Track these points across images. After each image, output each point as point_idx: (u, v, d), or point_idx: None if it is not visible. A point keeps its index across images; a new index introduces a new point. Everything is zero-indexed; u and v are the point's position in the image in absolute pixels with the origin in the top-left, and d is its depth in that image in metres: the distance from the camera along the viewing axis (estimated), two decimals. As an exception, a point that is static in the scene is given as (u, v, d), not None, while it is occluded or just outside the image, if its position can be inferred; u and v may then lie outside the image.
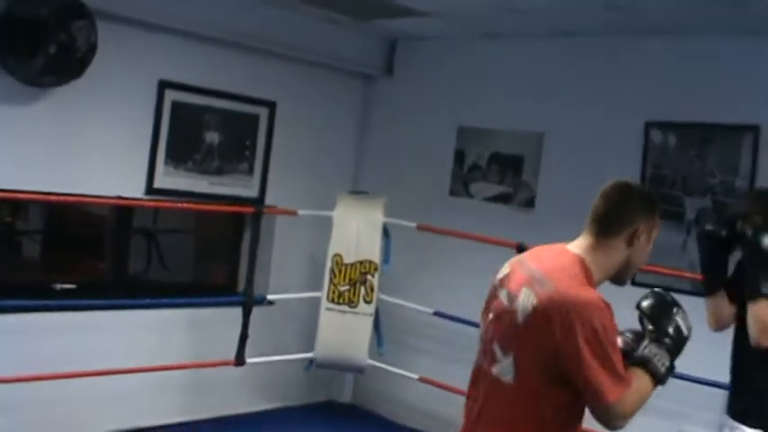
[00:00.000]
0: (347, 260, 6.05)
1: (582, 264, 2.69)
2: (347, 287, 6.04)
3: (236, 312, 5.62)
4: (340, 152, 6.92)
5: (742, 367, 3.56)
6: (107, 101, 5.40)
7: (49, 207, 5.72)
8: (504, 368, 2.65)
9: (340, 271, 6.04)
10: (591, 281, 2.66)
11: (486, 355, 2.76)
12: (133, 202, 5.66)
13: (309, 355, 6.14)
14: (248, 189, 6.25)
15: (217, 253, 6.86)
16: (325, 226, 6.10)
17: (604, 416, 2.56)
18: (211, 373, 5.87)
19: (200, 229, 6.89)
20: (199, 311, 6.05)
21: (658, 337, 2.75)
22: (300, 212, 6.03)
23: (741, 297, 3.42)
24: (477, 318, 5.45)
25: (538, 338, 2.54)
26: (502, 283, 2.81)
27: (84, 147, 5.34)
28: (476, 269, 6.14)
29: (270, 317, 6.19)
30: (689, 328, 2.78)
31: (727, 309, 3.60)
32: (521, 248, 5.34)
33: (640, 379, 2.62)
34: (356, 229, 6.07)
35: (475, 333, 5.48)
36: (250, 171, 6.24)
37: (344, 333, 6.04)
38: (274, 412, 6.55)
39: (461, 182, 6.41)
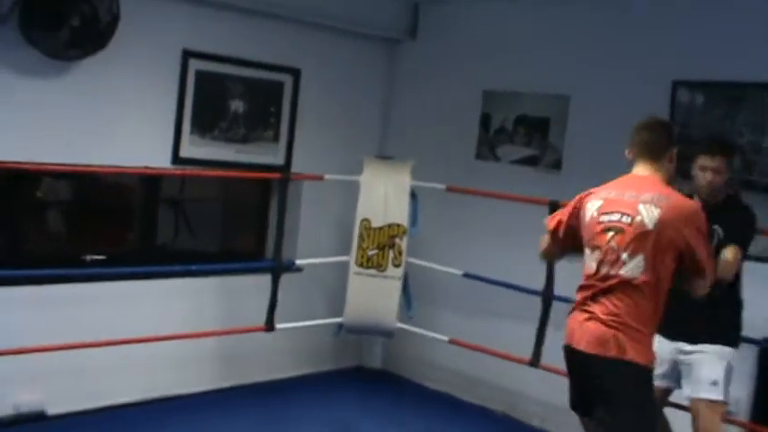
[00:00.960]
0: (375, 224, 6.05)
1: (665, 182, 3.77)
2: (375, 251, 6.05)
3: (265, 279, 5.64)
4: (366, 117, 6.91)
5: None
6: (132, 71, 5.41)
7: (77, 179, 5.75)
8: (632, 268, 3.58)
9: (368, 235, 6.05)
10: None
11: (610, 264, 3.65)
12: (160, 171, 5.68)
13: (338, 320, 6.16)
14: (274, 156, 6.25)
15: (244, 220, 6.88)
16: (353, 191, 6.10)
17: (703, 284, 3.70)
18: (242, 340, 5.91)
19: (228, 197, 6.91)
20: (228, 279, 6.09)
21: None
22: (327, 177, 6.02)
23: None
24: (506, 278, 5.50)
25: (668, 237, 3.56)
26: (601, 211, 3.75)
27: (110, 118, 5.36)
28: (504, 230, 6.19)
29: (299, 283, 6.22)
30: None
31: None
32: (554, 205, 5.32)
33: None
34: (384, 193, 6.07)
35: (505, 293, 5.53)
36: (276, 138, 6.24)
37: (373, 297, 6.05)
38: (304, 378, 6.59)
39: (488, 145, 6.39)
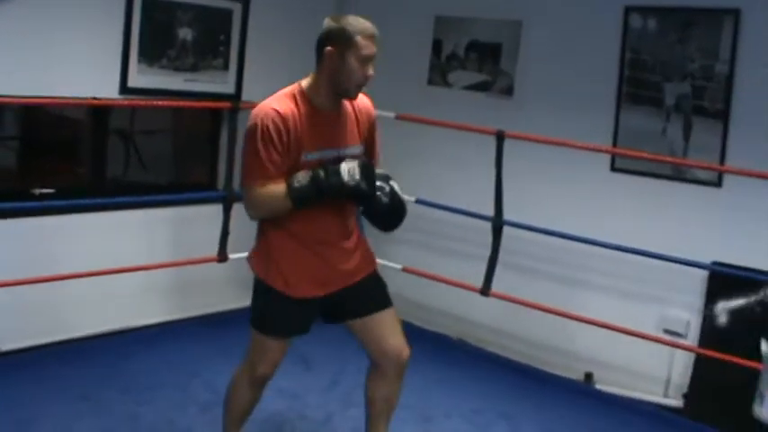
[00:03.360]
0: (327, 153, 6.02)
1: (297, 87, 3.46)
2: (326, 179, 6.02)
3: (217, 209, 5.61)
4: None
5: None
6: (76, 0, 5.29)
7: (24, 112, 5.64)
8: None
9: (320, 164, 6.02)
10: (300, 99, 3.40)
11: None
12: (108, 102, 5.58)
13: (292, 249, 6.15)
14: (224, 85, 6.17)
15: (195, 151, 6.80)
16: (304, 120, 6.06)
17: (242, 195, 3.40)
18: (195, 272, 5.89)
19: (178, 127, 6.82)
20: (179, 210, 6.04)
21: (317, 169, 3.33)
22: (278, 107, 5.96)
23: None
24: (459, 205, 5.52)
25: None
26: None
27: (54, 49, 5.21)
28: (456, 158, 6.19)
29: (251, 213, 6.18)
30: (353, 177, 3.33)
31: None
32: (500, 135, 5.34)
33: (275, 188, 3.31)
34: (334, 122, 6.03)
35: (458, 220, 5.57)
36: (225, 67, 6.15)
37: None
38: (259, 307, 6.59)
39: (439, 71, 6.36)
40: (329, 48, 3.35)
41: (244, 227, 5.79)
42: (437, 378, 5.49)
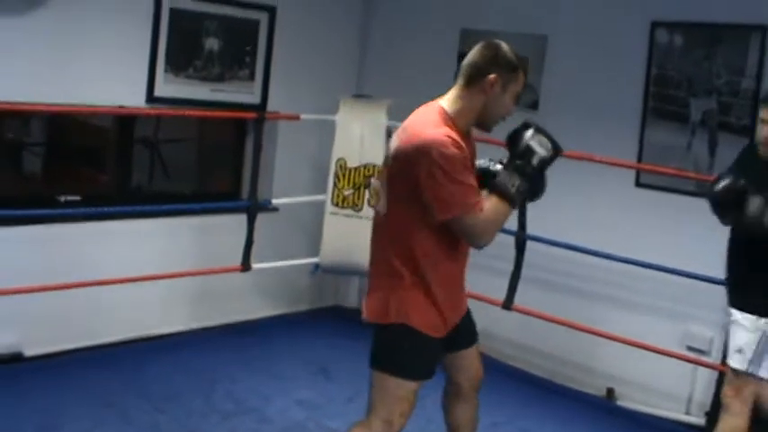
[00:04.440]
0: (351, 164, 6.05)
1: (441, 111, 3.18)
2: (351, 191, 6.05)
3: (241, 219, 5.63)
4: (342, 56, 6.85)
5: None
6: (105, 8, 5.32)
7: (51, 119, 5.70)
8: (381, 203, 3.28)
9: (344, 175, 6.04)
10: (450, 124, 3.14)
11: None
12: (134, 110, 5.63)
13: (315, 259, 6.18)
14: (250, 95, 6.20)
15: (220, 160, 6.84)
16: (329, 130, 6.08)
17: (458, 229, 3.11)
18: (218, 281, 5.91)
19: (203, 137, 6.86)
20: (204, 219, 6.07)
21: (510, 161, 3.21)
22: (303, 117, 5.99)
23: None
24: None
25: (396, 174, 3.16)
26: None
27: (83, 57, 5.27)
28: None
29: (275, 222, 6.21)
30: (546, 146, 3.20)
31: None
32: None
33: (492, 202, 3.12)
34: (360, 133, 6.05)
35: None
36: (251, 77, 6.18)
37: (349, 237, 6.06)
38: (282, 318, 6.61)
39: (465, 85, 6.36)
40: (494, 75, 3.15)
41: (267, 236, 5.87)
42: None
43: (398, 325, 3.26)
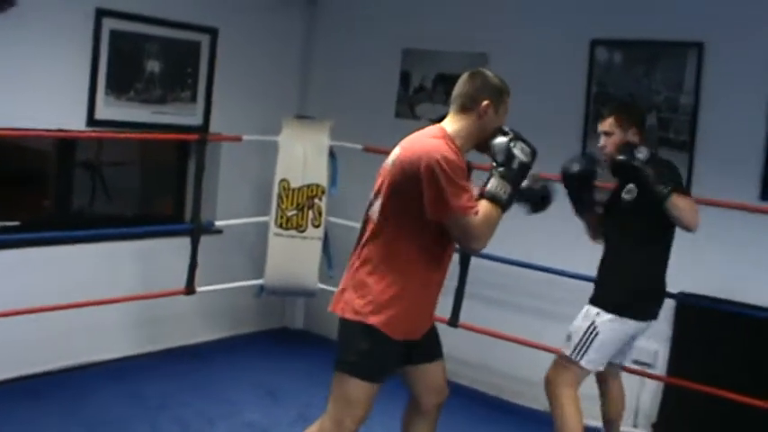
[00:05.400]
0: (294, 185, 6.03)
1: (442, 130, 3.40)
2: (295, 212, 6.03)
3: (185, 242, 5.58)
4: (284, 77, 6.84)
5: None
6: (43, 31, 5.25)
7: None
8: (373, 209, 3.41)
9: (287, 196, 6.03)
10: (450, 142, 3.33)
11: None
12: (75, 134, 5.56)
13: (260, 281, 6.14)
14: (192, 117, 6.16)
15: (163, 183, 6.78)
16: (272, 151, 6.07)
17: (457, 232, 3.28)
18: (163, 305, 5.85)
19: (145, 159, 6.80)
20: (147, 243, 6.01)
21: (496, 170, 3.38)
22: (245, 138, 5.97)
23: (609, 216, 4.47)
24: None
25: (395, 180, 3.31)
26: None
27: (21, 80, 5.19)
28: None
29: (219, 245, 6.17)
30: (527, 153, 3.42)
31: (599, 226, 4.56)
32: (469, 167, 5.35)
33: (485, 206, 3.30)
34: (302, 154, 6.05)
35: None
36: (193, 99, 6.15)
37: (294, 258, 6.05)
38: (227, 341, 6.57)
39: (407, 104, 6.39)
40: (487, 101, 3.40)
41: (211, 259, 5.82)
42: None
43: (359, 323, 3.36)
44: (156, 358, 6.03)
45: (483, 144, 3.46)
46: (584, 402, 4.49)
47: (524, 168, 3.41)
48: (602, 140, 4.27)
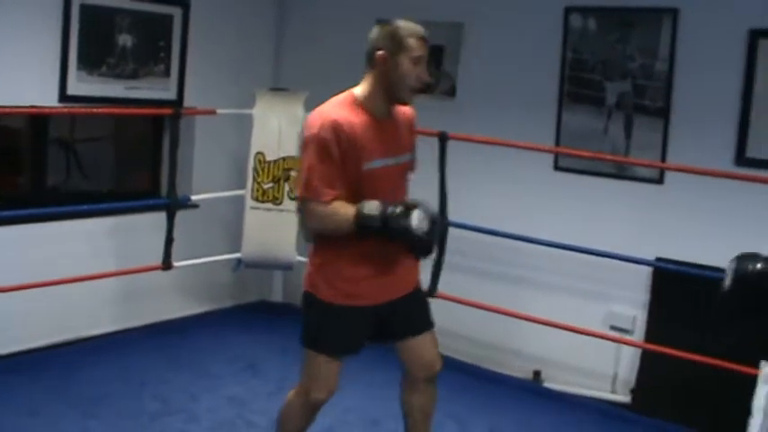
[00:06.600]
0: (270, 157, 6.01)
1: (349, 96, 3.34)
2: (271, 184, 6.01)
3: (161, 217, 5.55)
4: (258, 49, 6.79)
5: None
6: (13, 7, 5.19)
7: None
8: None
9: (263, 169, 6.01)
10: (357, 108, 3.29)
11: None
12: (47, 110, 5.51)
13: (237, 255, 6.13)
14: (166, 91, 6.11)
15: (138, 159, 6.74)
16: (247, 124, 6.04)
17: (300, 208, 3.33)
18: (141, 280, 5.82)
19: (119, 135, 6.75)
20: (123, 218, 5.97)
21: (390, 209, 3.20)
22: (220, 111, 5.93)
23: None
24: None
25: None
26: None
27: (-10, 56, 5.15)
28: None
29: (195, 219, 6.14)
30: (421, 225, 3.22)
31: None
32: (443, 137, 5.37)
33: (344, 207, 3.21)
34: (277, 126, 6.02)
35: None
36: (166, 73, 6.10)
37: (271, 231, 6.04)
38: (207, 315, 6.56)
39: (382, 74, 6.36)
40: (381, 52, 3.27)
41: (188, 234, 5.80)
42: (384, 380, 5.46)
43: (309, 294, 3.47)
44: (135, 334, 6.02)
45: (397, 98, 3.33)
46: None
47: (406, 232, 3.20)
48: None
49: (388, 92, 3.31)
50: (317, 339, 3.45)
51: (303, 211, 3.35)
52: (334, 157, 3.19)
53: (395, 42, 3.26)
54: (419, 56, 3.27)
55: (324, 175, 3.21)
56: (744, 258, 2.89)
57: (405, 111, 3.50)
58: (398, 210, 3.21)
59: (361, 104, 3.31)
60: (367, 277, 3.41)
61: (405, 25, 3.30)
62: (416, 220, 3.22)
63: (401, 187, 3.51)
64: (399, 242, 3.26)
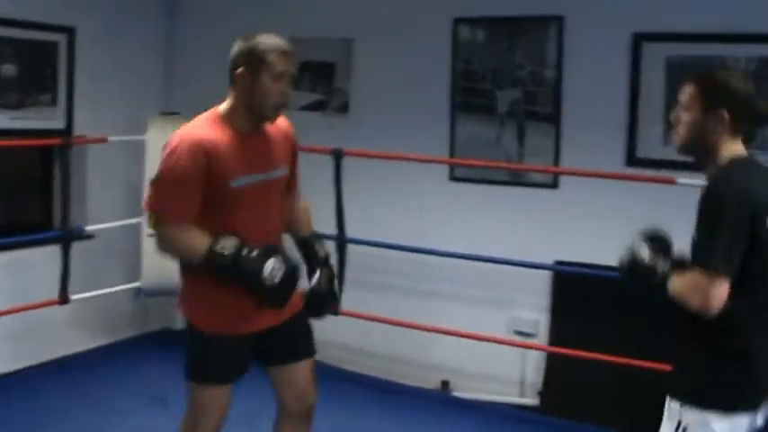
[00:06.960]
0: (165, 184, 5.91)
1: (213, 114, 3.23)
2: (167, 211, 5.92)
3: (56, 249, 5.42)
4: (148, 73, 6.69)
5: None
6: None
7: None
8: None
9: (159, 196, 5.91)
10: (222, 125, 3.16)
11: None
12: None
13: (136, 284, 6.02)
14: (54, 120, 5.97)
15: (27, 191, 6.56)
16: (140, 151, 5.94)
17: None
18: (37, 316, 5.64)
19: (6, 168, 6.55)
20: (15, 253, 5.79)
21: (256, 251, 3.08)
22: (111, 139, 5.82)
23: None
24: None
25: None
26: None
27: None
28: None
29: (92, 250, 6.00)
30: (275, 271, 3.08)
31: None
32: (338, 153, 5.36)
33: (202, 236, 3.08)
34: (170, 152, 5.93)
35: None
36: (54, 102, 5.96)
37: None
38: (109, 348, 6.41)
39: (274, 93, 6.32)
40: (240, 69, 3.15)
41: (84, 265, 5.67)
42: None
43: (189, 324, 3.36)
44: (35, 371, 5.85)
45: (261, 116, 3.20)
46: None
47: (251, 276, 3.07)
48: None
49: (250, 109, 3.18)
50: (196, 370, 3.35)
51: (157, 233, 3.18)
52: (191, 177, 3.05)
53: (254, 58, 3.15)
54: (281, 71, 3.16)
55: (176, 196, 3.09)
56: (626, 252, 3.06)
57: (278, 124, 3.37)
58: (254, 253, 3.08)
59: (226, 121, 3.19)
60: (246, 305, 3.20)
61: (265, 40, 3.19)
62: (270, 268, 3.08)
63: (276, 204, 3.35)
64: (245, 287, 3.11)
